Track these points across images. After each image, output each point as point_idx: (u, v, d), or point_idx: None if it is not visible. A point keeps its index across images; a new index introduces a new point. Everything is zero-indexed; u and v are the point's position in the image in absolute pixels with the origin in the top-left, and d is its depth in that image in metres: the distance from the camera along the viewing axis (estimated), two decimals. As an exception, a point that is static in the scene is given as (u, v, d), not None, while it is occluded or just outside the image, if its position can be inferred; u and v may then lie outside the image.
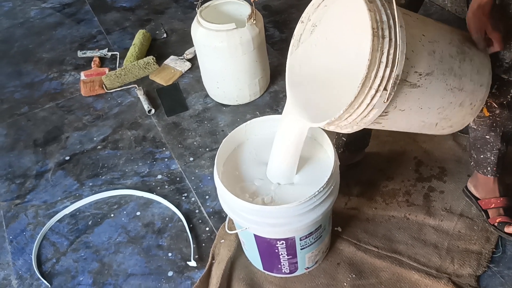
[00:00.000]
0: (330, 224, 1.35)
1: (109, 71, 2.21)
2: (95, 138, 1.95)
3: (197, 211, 1.63)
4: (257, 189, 1.22)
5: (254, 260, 1.42)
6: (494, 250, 1.41)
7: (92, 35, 2.55)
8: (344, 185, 1.64)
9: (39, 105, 2.14)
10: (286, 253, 1.28)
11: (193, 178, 1.74)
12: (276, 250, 1.26)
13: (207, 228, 1.57)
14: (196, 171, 1.76)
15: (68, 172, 1.83)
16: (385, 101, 0.92)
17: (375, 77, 0.89)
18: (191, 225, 1.58)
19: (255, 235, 1.24)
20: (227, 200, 1.19)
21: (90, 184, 1.77)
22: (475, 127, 1.36)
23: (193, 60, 2.25)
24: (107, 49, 2.39)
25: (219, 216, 1.60)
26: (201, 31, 1.81)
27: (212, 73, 1.94)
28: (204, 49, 1.86)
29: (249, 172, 1.26)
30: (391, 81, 0.90)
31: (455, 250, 1.41)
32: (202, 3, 1.90)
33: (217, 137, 1.88)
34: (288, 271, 1.37)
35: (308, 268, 1.39)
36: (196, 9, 1.87)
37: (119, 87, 2.16)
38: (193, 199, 1.67)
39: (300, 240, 1.23)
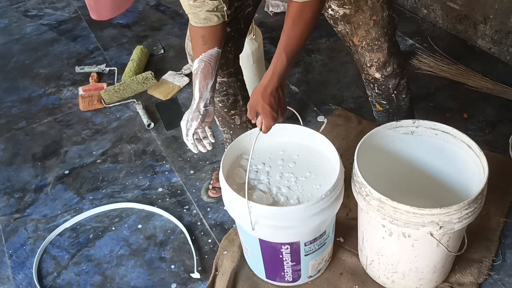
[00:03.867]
0: (333, 231, 1.37)
1: (107, 86, 2.23)
2: (94, 152, 1.95)
3: (199, 223, 1.63)
4: (262, 194, 1.23)
5: (256, 269, 1.42)
6: (494, 258, 1.44)
7: (89, 51, 2.57)
8: (345, 196, 1.66)
9: (37, 120, 2.15)
10: (290, 259, 1.28)
11: (194, 190, 1.75)
12: (281, 256, 1.27)
13: (210, 240, 1.58)
14: (197, 183, 1.77)
15: (67, 186, 1.82)
16: None
17: None
18: (193, 237, 1.58)
19: (260, 240, 1.24)
20: (234, 204, 1.19)
21: (91, 197, 1.77)
22: (377, 118, 1.62)
23: (191, 75, 2.26)
24: (104, 64, 2.41)
25: (221, 228, 1.61)
26: (201, 46, 1.84)
27: (212, 87, 1.96)
28: (204, 63, 1.89)
29: (253, 178, 1.27)
30: None
31: (456, 258, 1.43)
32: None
33: (217, 150, 1.89)
34: (291, 279, 1.37)
35: (311, 276, 1.39)
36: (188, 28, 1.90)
37: (117, 102, 2.17)
38: (194, 211, 1.67)
39: (305, 245, 1.24)
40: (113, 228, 1.65)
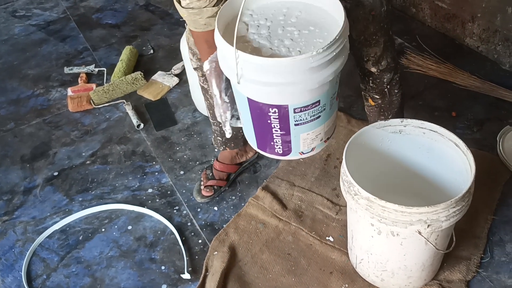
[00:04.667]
0: (333, 105, 1.24)
1: (96, 86, 2.22)
2: (83, 153, 1.94)
3: (189, 223, 1.63)
4: (260, 45, 1.13)
5: (249, 137, 1.32)
6: (482, 255, 1.45)
7: (78, 52, 2.55)
8: (334, 195, 1.67)
9: (25, 121, 2.13)
10: (279, 127, 1.19)
11: (184, 191, 1.74)
12: (269, 121, 1.18)
13: (200, 241, 1.57)
14: (187, 184, 1.77)
15: (57, 187, 1.81)
16: None
17: None
18: (183, 238, 1.58)
19: (248, 100, 1.16)
20: (225, 55, 1.10)
21: (80, 199, 1.76)
22: (368, 113, 1.61)
23: (181, 75, 2.26)
24: (94, 65, 2.39)
25: (212, 228, 1.61)
26: (190, 46, 1.83)
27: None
28: (194, 63, 1.88)
29: (253, 32, 1.17)
30: None
31: (444, 256, 1.44)
32: (191, 19, 1.92)
33: (207, 151, 1.89)
34: (281, 152, 1.28)
35: (303, 153, 1.29)
36: (185, 25, 1.89)
37: (107, 103, 2.16)
38: (184, 212, 1.67)
39: (295, 112, 1.15)
40: (103, 230, 1.64)
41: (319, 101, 1.15)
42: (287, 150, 1.26)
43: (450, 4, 2.28)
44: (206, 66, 1.20)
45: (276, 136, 1.21)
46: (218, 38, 1.09)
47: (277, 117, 1.16)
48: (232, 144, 1.69)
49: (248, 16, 1.22)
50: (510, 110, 1.92)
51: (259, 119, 1.20)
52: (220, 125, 1.58)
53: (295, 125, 1.18)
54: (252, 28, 1.17)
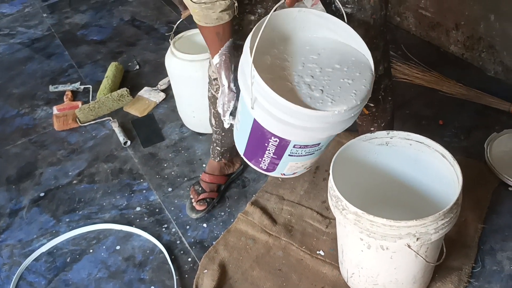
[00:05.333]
0: (327, 146, 1.26)
1: (82, 104, 2.20)
2: (70, 173, 1.92)
3: (178, 242, 1.61)
4: (280, 79, 1.10)
5: (239, 143, 1.31)
6: (473, 265, 1.44)
7: (63, 69, 2.54)
8: (324, 209, 1.66)
9: (10, 142, 2.10)
10: (273, 152, 1.20)
11: (172, 208, 1.73)
12: (266, 144, 1.18)
13: (189, 259, 1.56)
14: (175, 201, 1.75)
15: (43, 208, 1.79)
16: None
17: None
18: (172, 257, 1.56)
19: (254, 120, 1.14)
20: (246, 72, 1.07)
21: (67, 220, 1.73)
22: (360, 123, 1.59)
23: (167, 91, 2.25)
24: (79, 82, 2.38)
25: (201, 246, 1.59)
26: (175, 62, 1.83)
27: (188, 102, 1.95)
28: (179, 79, 1.88)
29: (276, 65, 1.13)
30: None
31: (436, 267, 1.43)
32: (175, 34, 1.92)
33: (195, 166, 1.88)
34: (265, 168, 1.29)
35: (284, 174, 1.32)
36: (170, 40, 1.89)
37: (93, 120, 2.15)
38: (173, 229, 1.65)
39: (294, 147, 1.17)
40: (91, 251, 1.62)
41: (319, 143, 1.19)
42: (271, 169, 1.28)
43: (434, 12, 2.30)
44: (216, 59, 1.21)
45: (267, 156, 1.23)
46: (247, 55, 1.06)
47: (275, 145, 1.17)
48: (228, 155, 1.69)
49: (272, 47, 1.18)
50: (497, 117, 1.93)
51: (257, 139, 1.20)
52: (223, 134, 1.60)
53: (289, 155, 1.20)
54: (276, 59, 1.15)
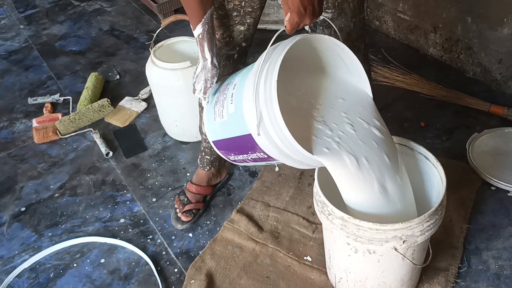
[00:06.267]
0: None
1: (62, 116, 2.17)
2: (51, 186, 1.89)
3: (164, 252, 1.59)
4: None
5: (214, 131, 1.22)
6: (460, 265, 1.45)
7: (42, 81, 2.50)
8: (310, 214, 1.65)
9: (-11, 156, 2.06)
10: (251, 159, 1.17)
11: (157, 219, 1.70)
12: (250, 152, 1.13)
13: (176, 270, 1.53)
14: (160, 211, 1.73)
15: (24, 223, 1.75)
16: None
17: None
18: (159, 268, 1.54)
19: (250, 134, 1.06)
20: (265, 99, 1.00)
21: (49, 234, 1.70)
22: None
23: (149, 100, 2.23)
24: (58, 94, 2.34)
25: (187, 256, 1.57)
26: (156, 71, 1.81)
27: (170, 111, 1.94)
28: (161, 88, 1.86)
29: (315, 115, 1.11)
30: None
31: (423, 269, 1.43)
32: (155, 43, 1.90)
33: (179, 175, 1.86)
34: (232, 160, 1.25)
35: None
36: (150, 49, 1.87)
37: (74, 132, 2.11)
38: (158, 240, 1.63)
39: (276, 165, 1.17)
40: (75, 265, 1.59)
41: None
42: (237, 165, 1.26)
43: (412, 15, 2.32)
44: (199, 29, 1.17)
45: (243, 157, 1.20)
46: (256, 68, 1.02)
47: (259, 158, 1.14)
48: (217, 163, 1.67)
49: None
50: (477, 117, 1.95)
51: (241, 145, 1.13)
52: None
53: (266, 163, 1.19)
54: (301, 102, 1.14)
